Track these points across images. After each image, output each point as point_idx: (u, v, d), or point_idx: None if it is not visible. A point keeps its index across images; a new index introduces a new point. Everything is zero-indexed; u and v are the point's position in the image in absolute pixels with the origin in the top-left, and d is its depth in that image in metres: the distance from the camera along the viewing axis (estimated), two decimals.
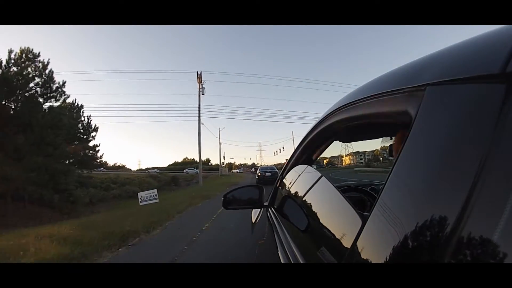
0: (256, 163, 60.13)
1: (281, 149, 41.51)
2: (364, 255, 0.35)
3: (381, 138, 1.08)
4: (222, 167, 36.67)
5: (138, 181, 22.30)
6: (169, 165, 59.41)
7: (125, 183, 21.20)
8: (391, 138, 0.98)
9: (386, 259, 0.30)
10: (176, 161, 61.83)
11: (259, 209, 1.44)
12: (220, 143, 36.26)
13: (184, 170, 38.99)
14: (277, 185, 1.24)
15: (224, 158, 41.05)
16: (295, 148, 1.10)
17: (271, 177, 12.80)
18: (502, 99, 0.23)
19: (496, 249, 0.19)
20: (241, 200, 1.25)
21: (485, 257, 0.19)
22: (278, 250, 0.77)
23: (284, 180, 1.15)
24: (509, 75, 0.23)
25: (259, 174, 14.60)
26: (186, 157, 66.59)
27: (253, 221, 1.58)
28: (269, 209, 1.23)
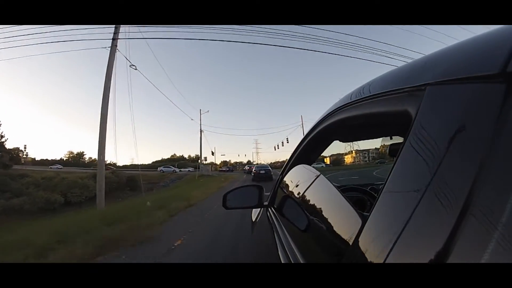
0: (252, 161, 57.69)
1: (284, 142, 32.04)
2: (364, 255, 0.35)
3: (381, 138, 1.08)
4: (203, 164, 27.82)
5: (67, 183, 15.33)
6: (154, 162, 54.04)
7: (53, 185, 14.65)
8: (391, 138, 0.98)
9: (386, 259, 0.30)
10: (163, 157, 57.64)
11: (259, 209, 1.44)
12: (201, 131, 27.26)
13: (159, 168, 33.12)
14: (277, 185, 1.24)
15: (213, 154, 34.75)
16: (295, 147, 1.10)
17: (265, 174, 16.24)
18: (502, 99, 0.23)
19: (496, 249, 0.19)
20: (241, 199, 1.25)
21: (485, 257, 0.19)
22: (278, 250, 0.77)
23: (284, 180, 1.15)
24: (509, 75, 0.23)
25: (255, 171, 17.21)
26: (174, 154, 62.52)
27: (253, 220, 1.58)
28: (269, 209, 1.23)
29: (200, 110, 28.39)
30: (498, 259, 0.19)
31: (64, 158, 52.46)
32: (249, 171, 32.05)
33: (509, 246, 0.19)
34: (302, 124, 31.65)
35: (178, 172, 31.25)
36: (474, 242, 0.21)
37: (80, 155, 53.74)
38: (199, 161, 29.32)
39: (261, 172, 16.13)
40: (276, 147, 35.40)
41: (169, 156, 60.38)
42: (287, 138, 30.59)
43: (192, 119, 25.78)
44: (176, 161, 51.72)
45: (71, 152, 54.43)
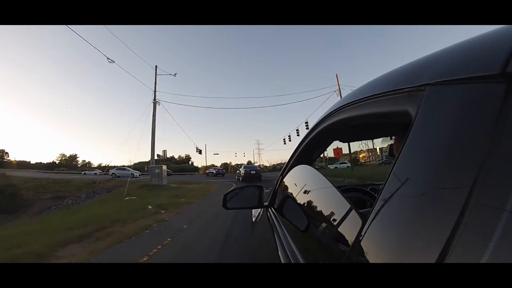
0: (253, 162, 52.05)
1: (300, 130, 18.83)
2: (364, 255, 0.35)
3: (381, 138, 1.09)
4: (152, 166, 15.86)
5: None
6: (136, 163, 46.47)
7: None
8: (391, 138, 0.98)
9: (386, 259, 0.30)
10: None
11: (259, 209, 1.44)
12: (155, 101, 16.50)
13: (111, 171, 23.39)
14: (277, 185, 1.24)
15: (200, 153, 23.34)
16: (295, 148, 1.10)
17: (256, 175, 17.04)
18: (502, 99, 0.23)
19: (496, 249, 0.19)
20: (241, 200, 1.25)
21: (485, 257, 0.19)
22: (278, 250, 0.77)
23: (284, 180, 1.15)
24: (509, 75, 0.23)
25: (245, 171, 17.73)
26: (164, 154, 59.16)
27: (253, 221, 1.58)
28: (269, 209, 1.23)
29: (156, 67, 16.61)
30: (498, 259, 0.19)
31: (57, 161, 52.05)
32: (217, 174, 27.02)
33: (509, 246, 0.19)
34: (339, 88, 17.92)
35: (137, 176, 22.40)
36: (474, 242, 0.21)
37: (73, 157, 53.25)
38: (151, 158, 16.75)
39: (252, 172, 17.44)
40: (287, 140, 22.95)
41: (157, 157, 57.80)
42: (306, 123, 17.85)
43: (109, 60, 12.15)
44: (163, 162, 46.95)
45: (63, 155, 53.99)
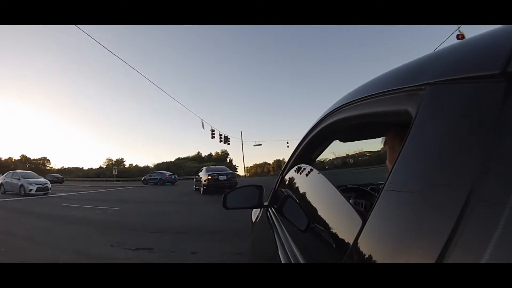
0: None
1: None
2: (364, 255, 0.35)
3: (381, 138, 1.08)
4: None
5: None
6: (157, 164, 41.33)
7: None
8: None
9: (386, 259, 0.30)
10: (179, 157, 46.98)
11: (259, 209, 1.44)
12: None
13: (0, 179, 13.19)
14: (277, 185, 1.24)
15: (226, 142, 17.84)
16: (296, 147, 1.10)
17: (227, 182, 10.40)
18: (502, 99, 0.23)
19: (496, 249, 0.19)
20: (241, 199, 1.25)
21: (485, 257, 0.19)
22: (278, 250, 0.77)
23: (284, 180, 1.15)
24: (509, 75, 0.23)
25: (210, 177, 10.61)
26: (199, 152, 50.48)
27: (253, 220, 1.58)
28: (269, 209, 1.23)
29: None
30: (498, 259, 0.19)
31: (104, 166, 50.94)
32: (165, 182, 18.69)
33: (509, 246, 0.19)
34: None
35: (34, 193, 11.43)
36: (474, 242, 0.21)
37: (120, 161, 52.10)
38: None
39: (221, 178, 10.67)
40: None
41: (193, 154, 49.94)
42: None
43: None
44: (197, 160, 41.47)
45: (110, 160, 52.88)
